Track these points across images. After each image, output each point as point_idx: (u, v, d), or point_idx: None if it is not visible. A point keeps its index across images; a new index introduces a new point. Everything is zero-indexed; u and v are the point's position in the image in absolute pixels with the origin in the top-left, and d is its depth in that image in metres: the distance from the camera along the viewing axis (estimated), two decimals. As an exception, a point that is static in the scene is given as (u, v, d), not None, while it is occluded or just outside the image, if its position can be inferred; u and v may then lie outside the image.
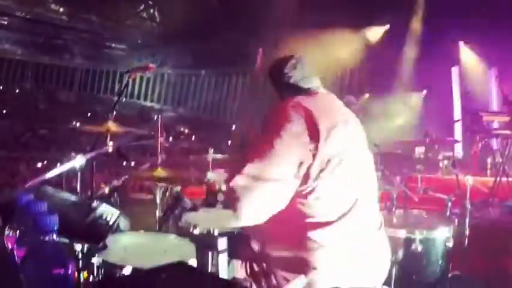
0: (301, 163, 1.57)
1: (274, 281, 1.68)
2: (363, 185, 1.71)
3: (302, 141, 1.58)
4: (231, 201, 1.58)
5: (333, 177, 1.60)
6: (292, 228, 1.63)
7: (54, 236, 1.07)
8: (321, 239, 1.62)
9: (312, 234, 1.62)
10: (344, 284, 1.63)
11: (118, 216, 2.02)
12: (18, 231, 1.20)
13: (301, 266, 1.62)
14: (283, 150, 1.57)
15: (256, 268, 1.74)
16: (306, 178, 1.59)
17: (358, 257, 1.67)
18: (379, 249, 1.78)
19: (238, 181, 1.55)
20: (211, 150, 3.95)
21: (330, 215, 1.63)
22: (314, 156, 1.57)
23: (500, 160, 5.14)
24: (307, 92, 1.79)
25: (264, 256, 1.73)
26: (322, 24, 7.83)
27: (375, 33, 10.93)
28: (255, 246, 1.77)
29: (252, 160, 1.57)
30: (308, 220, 1.62)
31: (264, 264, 1.72)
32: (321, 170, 1.58)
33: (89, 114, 9.93)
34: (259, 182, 1.54)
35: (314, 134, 1.58)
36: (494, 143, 5.64)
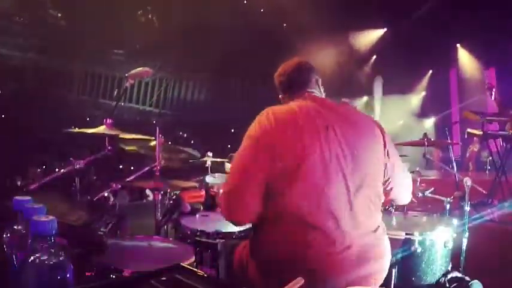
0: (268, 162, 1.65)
1: (271, 282, 1.68)
2: (346, 188, 1.69)
3: (268, 147, 1.65)
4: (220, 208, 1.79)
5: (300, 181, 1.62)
6: (288, 230, 1.63)
7: (53, 240, 1.07)
8: (317, 240, 1.62)
9: (307, 236, 1.62)
10: (342, 285, 1.64)
11: (117, 220, 2.03)
12: (17, 234, 1.20)
13: (299, 268, 1.62)
14: (250, 153, 1.67)
15: (254, 269, 1.74)
16: (279, 180, 1.62)
17: (355, 259, 1.67)
18: (378, 250, 1.78)
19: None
20: (210, 154, 3.96)
21: (323, 216, 1.63)
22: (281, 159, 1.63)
23: (499, 161, 5.16)
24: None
25: (261, 258, 1.73)
26: (319, 26, 7.86)
27: (372, 36, 10.98)
28: (253, 247, 1.77)
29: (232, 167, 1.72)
30: (302, 222, 1.63)
31: (262, 266, 1.73)
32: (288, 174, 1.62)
33: (88, 118, 9.93)
34: (231, 185, 1.67)
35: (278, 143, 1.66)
36: (493, 144, 5.65)
